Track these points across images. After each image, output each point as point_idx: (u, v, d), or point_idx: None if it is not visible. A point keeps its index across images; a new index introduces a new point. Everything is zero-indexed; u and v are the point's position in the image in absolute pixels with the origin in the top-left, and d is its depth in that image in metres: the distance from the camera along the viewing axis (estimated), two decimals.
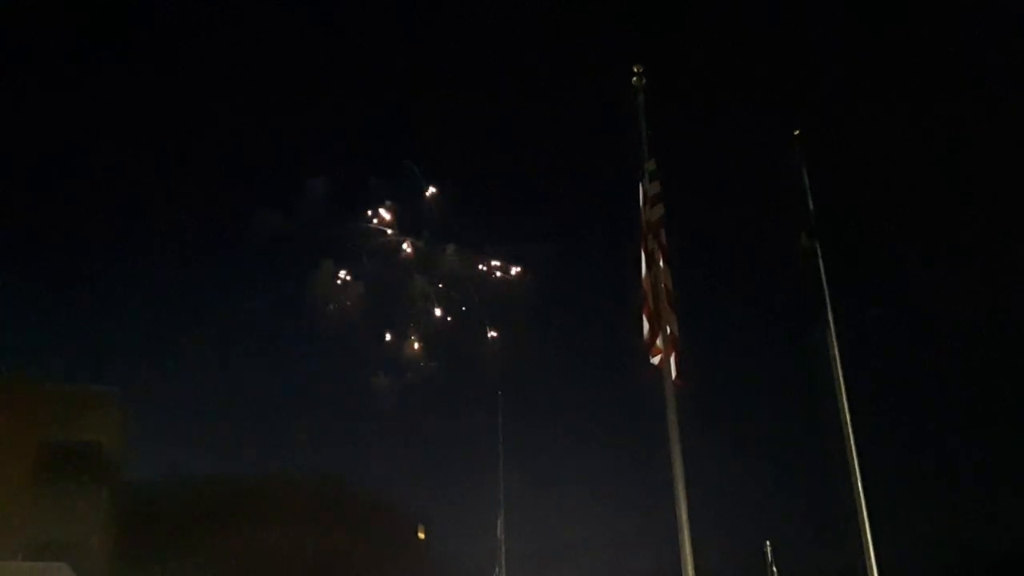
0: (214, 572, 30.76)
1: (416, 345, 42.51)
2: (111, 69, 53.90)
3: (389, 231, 42.57)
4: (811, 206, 14.19)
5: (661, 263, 9.75)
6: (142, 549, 30.12)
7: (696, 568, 8.53)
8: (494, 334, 41.33)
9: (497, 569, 24.00)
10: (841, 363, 13.13)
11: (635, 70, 10.86)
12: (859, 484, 12.58)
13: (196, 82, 53.16)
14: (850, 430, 12.80)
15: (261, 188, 57.22)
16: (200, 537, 32.07)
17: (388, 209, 42.59)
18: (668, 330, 9.45)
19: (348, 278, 42.89)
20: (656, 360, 9.44)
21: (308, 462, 40.09)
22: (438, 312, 42.60)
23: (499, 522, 24.36)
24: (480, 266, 42.50)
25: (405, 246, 42.56)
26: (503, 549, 24.11)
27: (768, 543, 23.57)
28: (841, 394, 13.01)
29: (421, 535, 38.11)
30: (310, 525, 34.58)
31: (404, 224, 43.18)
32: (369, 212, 42.63)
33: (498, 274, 40.50)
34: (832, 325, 13.36)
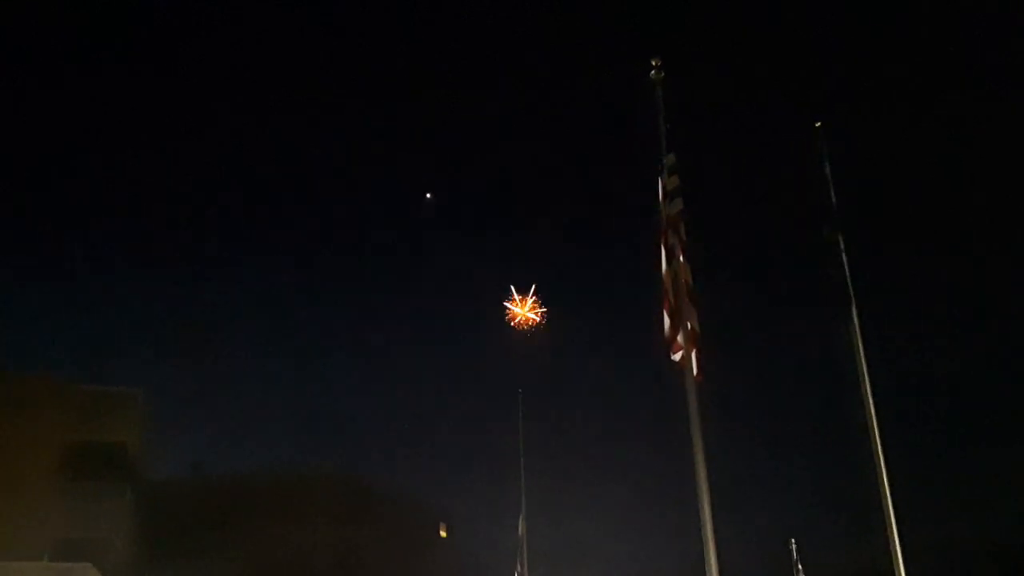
0: (237, 569, 30.93)
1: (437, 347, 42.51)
2: (111, 69, 54.28)
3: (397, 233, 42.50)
4: (833, 198, 13.98)
5: (681, 258, 9.63)
6: (166, 548, 30.34)
7: (720, 566, 8.40)
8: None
9: (518, 567, 23.94)
10: (866, 358, 12.92)
11: (653, 63, 10.72)
12: (885, 480, 12.38)
13: (196, 82, 53.45)
14: (876, 426, 12.60)
15: (269, 189, 57.51)
16: (223, 535, 32.26)
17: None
18: (689, 326, 9.33)
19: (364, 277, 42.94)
20: (677, 356, 9.31)
21: (331, 460, 40.29)
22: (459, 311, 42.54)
23: (520, 520, 24.30)
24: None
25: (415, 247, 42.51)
26: (524, 547, 24.04)
27: (793, 541, 23.36)
28: (866, 389, 12.81)
29: (443, 533, 38.17)
30: (332, 523, 34.70)
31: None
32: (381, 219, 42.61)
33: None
34: (857, 319, 13.15)
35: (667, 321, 9.48)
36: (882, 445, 12.51)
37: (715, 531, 8.47)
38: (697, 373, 9.19)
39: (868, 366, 12.91)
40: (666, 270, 9.65)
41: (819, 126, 14.46)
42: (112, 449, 28.89)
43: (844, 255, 13.58)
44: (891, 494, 12.36)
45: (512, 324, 36.78)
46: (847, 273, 13.46)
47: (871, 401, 12.75)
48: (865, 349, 13.01)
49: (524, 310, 36.92)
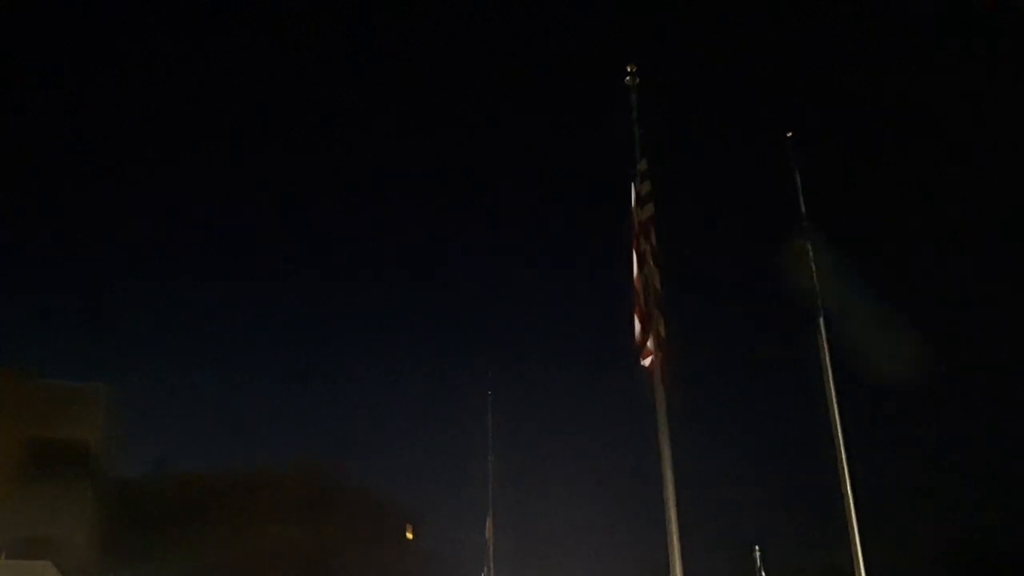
0: (201, 568, 30.59)
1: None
2: (111, 69, 53.67)
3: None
4: (803, 207, 14.19)
5: (651, 263, 9.69)
6: (128, 546, 29.92)
7: (685, 569, 8.48)
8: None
9: (485, 569, 23.95)
10: (832, 364, 13.11)
11: (628, 70, 10.80)
12: (848, 485, 12.58)
13: (196, 82, 52.98)
14: (840, 431, 12.79)
15: (251, 188, 57.12)
16: (186, 533, 31.88)
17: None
18: (658, 331, 9.39)
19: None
20: (647, 362, 9.37)
21: (297, 458, 39.95)
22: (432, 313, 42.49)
23: (488, 521, 24.30)
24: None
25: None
26: (491, 548, 24.05)
27: (757, 548, 23.61)
28: (831, 397, 13.00)
29: (410, 535, 38.02)
30: (298, 522, 34.44)
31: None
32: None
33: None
34: (823, 328, 13.34)
35: (638, 326, 9.54)
36: (846, 450, 12.71)
37: (680, 534, 8.55)
38: (665, 378, 9.26)
39: (833, 372, 13.11)
40: (637, 275, 9.71)
41: (790, 136, 14.67)
42: (74, 445, 28.40)
43: (813, 264, 13.78)
44: (854, 500, 12.55)
45: None
46: (815, 281, 13.65)
47: (835, 407, 12.95)
48: (831, 356, 13.21)
49: None
